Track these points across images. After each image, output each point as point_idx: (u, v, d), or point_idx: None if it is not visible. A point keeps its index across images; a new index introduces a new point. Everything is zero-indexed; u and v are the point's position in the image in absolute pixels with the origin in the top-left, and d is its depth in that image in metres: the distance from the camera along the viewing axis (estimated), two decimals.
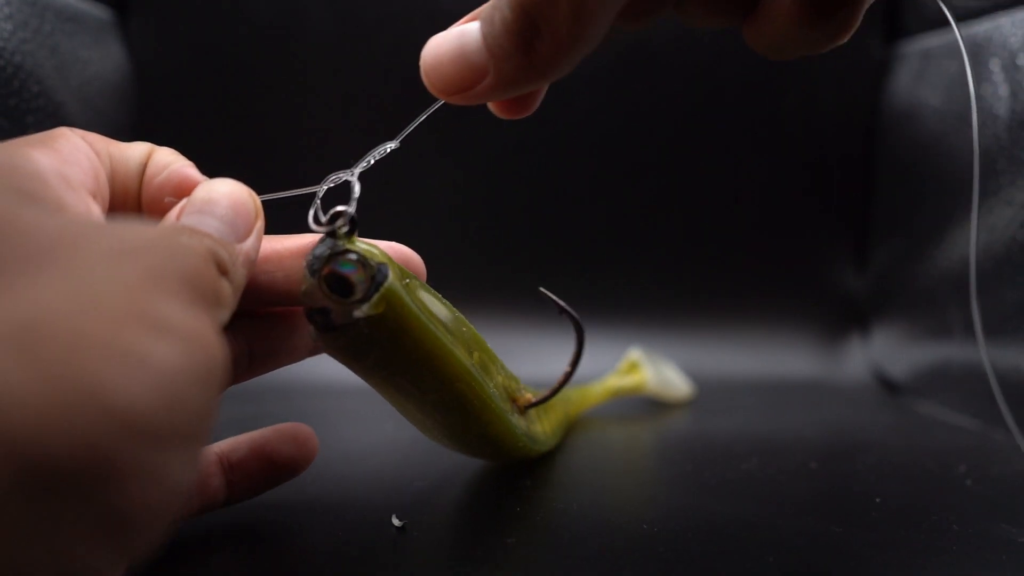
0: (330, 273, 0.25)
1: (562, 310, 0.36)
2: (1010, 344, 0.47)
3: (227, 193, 0.25)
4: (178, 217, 0.24)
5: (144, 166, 0.27)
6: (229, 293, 0.22)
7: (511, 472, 0.36)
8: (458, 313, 0.30)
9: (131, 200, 0.27)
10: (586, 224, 0.66)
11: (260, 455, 0.30)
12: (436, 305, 0.29)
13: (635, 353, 0.54)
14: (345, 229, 0.26)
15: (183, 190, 0.27)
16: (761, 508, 0.33)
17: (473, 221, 0.64)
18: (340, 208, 0.26)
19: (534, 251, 0.64)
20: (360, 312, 0.25)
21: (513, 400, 0.33)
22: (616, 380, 0.52)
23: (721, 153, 0.66)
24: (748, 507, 0.33)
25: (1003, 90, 0.50)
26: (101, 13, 0.56)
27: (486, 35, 0.24)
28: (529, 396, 0.34)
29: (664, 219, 0.66)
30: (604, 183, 0.66)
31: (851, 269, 0.68)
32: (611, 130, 0.65)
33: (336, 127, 0.62)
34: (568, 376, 0.36)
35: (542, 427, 0.37)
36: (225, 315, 0.21)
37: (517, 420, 0.33)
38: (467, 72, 0.25)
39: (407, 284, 0.27)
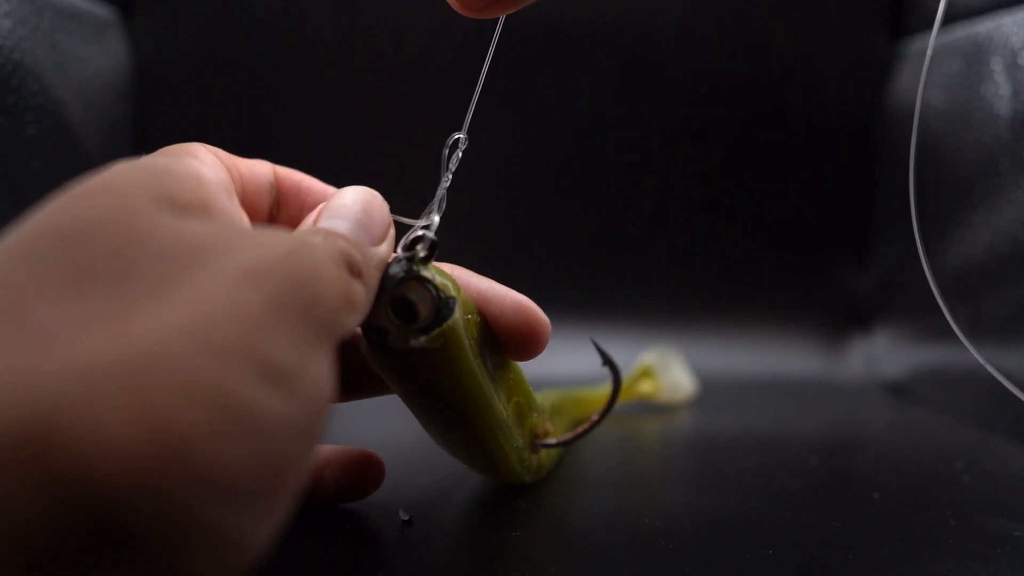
0: (399, 296, 0.25)
1: (607, 362, 0.35)
2: (1012, 344, 0.47)
3: (359, 198, 0.25)
4: (315, 221, 0.24)
5: (273, 185, 0.28)
6: (362, 296, 0.22)
7: None
8: (516, 367, 0.30)
9: (259, 218, 0.28)
10: (588, 224, 0.66)
11: (347, 468, 0.30)
12: (488, 344, 0.28)
13: (649, 358, 0.53)
14: (423, 255, 0.26)
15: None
16: (761, 503, 0.33)
17: (476, 222, 0.64)
18: (422, 232, 0.26)
19: (538, 252, 0.64)
20: (417, 342, 0.25)
21: (533, 436, 0.33)
22: (628, 386, 0.51)
23: (723, 152, 0.66)
24: (748, 502, 0.33)
25: (1005, 89, 0.50)
26: (102, 11, 0.56)
27: None
28: (549, 428, 0.34)
29: (666, 218, 0.67)
30: (605, 183, 0.66)
31: (853, 268, 0.68)
32: (614, 131, 0.65)
33: (340, 126, 0.63)
34: (595, 424, 0.34)
35: (545, 458, 0.37)
36: (356, 320, 0.21)
37: (525, 460, 0.32)
38: None
39: (468, 319, 0.26)
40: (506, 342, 0.29)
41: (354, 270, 0.21)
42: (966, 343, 0.34)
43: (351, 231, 0.24)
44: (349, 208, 0.24)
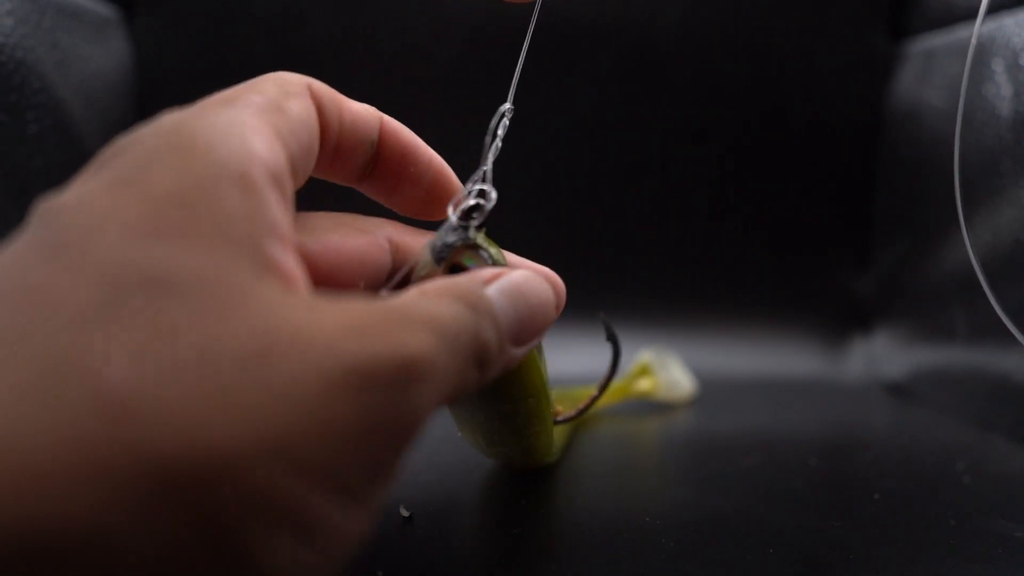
0: (458, 265, 0.24)
1: (610, 336, 0.36)
2: (1013, 345, 0.47)
3: (537, 288, 0.22)
4: (487, 283, 0.21)
5: (374, 143, 0.25)
6: (474, 385, 0.20)
7: (515, 468, 0.36)
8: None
9: (346, 172, 0.25)
10: (587, 224, 0.66)
11: None
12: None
13: (647, 356, 0.53)
14: (477, 223, 0.25)
15: (441, 193, 0.26)
16: (762, 502, 0.33)
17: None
18: (481, 200, 0.25)
19: (537, 251, 0.64)
20: None
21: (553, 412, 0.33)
22: (625, 384, 0.51)
23: (724, 152, 0.66)
24: (749, 501, 0.33)
25: (1006, 90, 0.50)
26: (103, 10, 0.56)
27: None
28: (559, 408, 0.34)
29: (666, 218, 0.66)
30: (605, 182, 0.66)
31: (854, 269, 0.68)
32: (613, 130, 0.65)
33: None
34: (596, 398, 0.36)
35: (558, 438, 0.37)
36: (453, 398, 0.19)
37: (553, 438, 0.33)
38: None
39: None
40: None
41: (481, 362, 0.19)
42: (1014, 331, 0.34)
43: (507, 322, 0.21)
44: (523, 297, 0.22)
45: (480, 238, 0.25)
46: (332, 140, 0.23)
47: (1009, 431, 0.46)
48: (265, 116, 0.19)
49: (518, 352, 0.22)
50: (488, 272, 0.22)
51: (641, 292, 0.66)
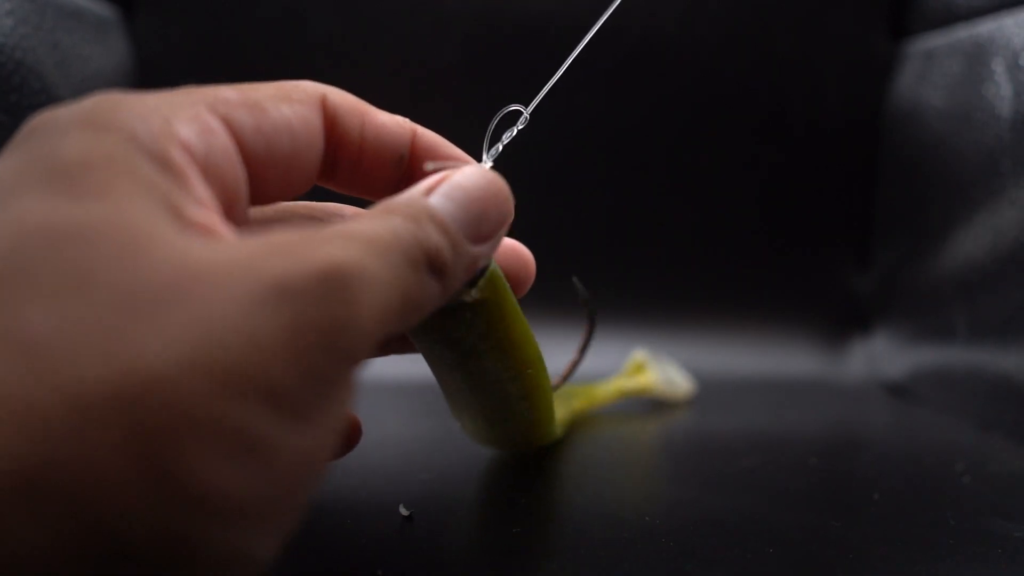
0: None
1: (586, 303, 0.36)
2: (1013, 345, 0.47)
3: (482, 184, 0.22)
4: (427, 192, 0.21)
5: (405, 157, 0.24)
6: (435, 296, 0.20)
7: (515, 466, 0.37)
8: None
9: (379, 186, 0.24)
10: (586, 223, 0.66)
11: None
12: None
13: (640, 354, 0.53)
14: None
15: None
16: (761, 502, 0.33)
17: None
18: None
19: (535, 251, 0.64)
20: (469, 296, 0.24)
21: None
22: (623, 381, 0.51)
23: (724, 152, 0.66)
24: (749, 501, 0.33)
25: (1006, 90, 0.50)
26: (103, 10, 0.56)
27: None
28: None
29: (666, 217, 0.66)
30: (605, 182, 0.66)
31: (853, 269, 0.68)
32: (612, 128, 0.65)
33: None
34: (576, 363, 0.36)
35: (558, 413, 0.37)
36: (415, 320, 0.19)
37: (554, 414, 0.33)
38: None
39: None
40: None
41: (436, 268, 0.19)
42: None
43: (455, 223, 0.21)
44: (466, 193, 0.21)
45: None
46: (352, 152, 0.23)
47: (1009, 431, 0.46)
48: (220, 107, 0.19)
49: (482, 249, 0.22)
50: (428, 181, 0.22)
51: (641, 291, 0.66)
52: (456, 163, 0.24)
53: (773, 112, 0.66)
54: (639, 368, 0.53)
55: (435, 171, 0.22)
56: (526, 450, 0.37)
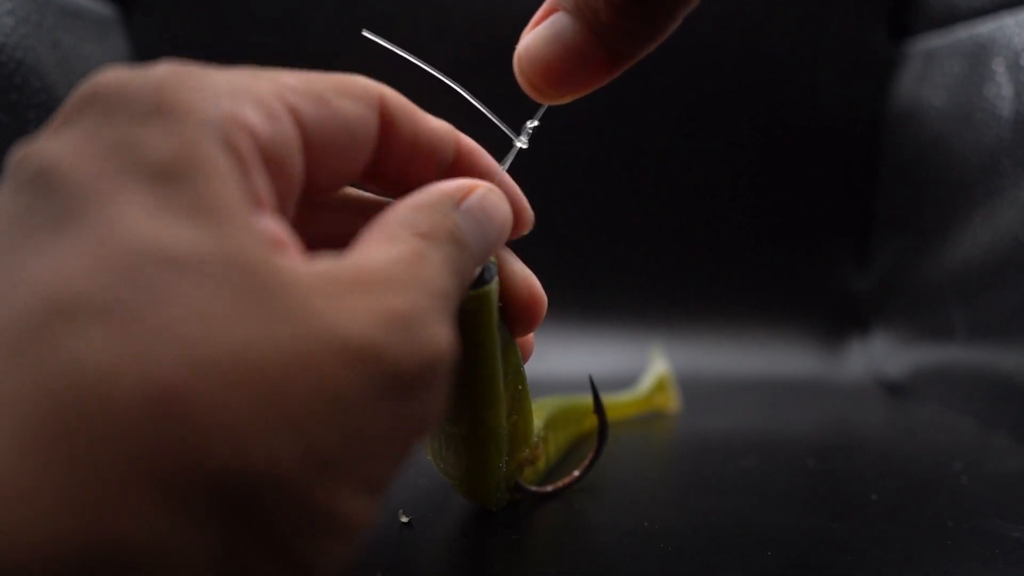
0: None
1: (599, 409, 0.34)
2: (1013, 345, 0.47)
3: (505, 212, 0.23)
4: (462, 200, 0.21)
5: (450, 163, 0.24)
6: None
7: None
8: (522, 370, 0.28)
9: (401, 182, 0.24)
10: (585, 223, 0.66)
11: None
12: (506, 343, 0.27)
13: (662, 368, 0.52)
14: None
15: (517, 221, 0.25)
16: (760, 504, 0.33)
17: None
18: None
19: (535, 250, 0.64)
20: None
21: (517, 469, 0.30)
22: (644, 399, 0.50)
23: (724, 152, 0.66)
24: (747, 503, 0.33)
25: (1007, 90, 0.50)
26: (103, 9, 0.56)
27: (582, 8, 0.21)
28: (538, 454, 0.31)
29: (665, 217, 0.67)
30: (604, 182, 0.66)
31: (853, 268, 0.68)
32: (612, 129, 0.65)
33: None
34: (578, 479, 0.33)
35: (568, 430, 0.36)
36: None
37: (500, 488, 0.30)
38: (573, 57, 0.22)
39: (500, 307, 0.25)
40: (510, 315, 0.27)
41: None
42: None
43: (481, 248, 0.21)
44: (493, 215, 0.22)
45: None
46: (403, 155, 0.23)
47: (1008, 430, 0.46)
48: (287, 94, 0.19)
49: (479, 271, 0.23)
50: (459, 186, 0.22)
51: (640, 291, 0.66)
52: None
53: (773, 112, 0.66)
54: (661, 385, 0.51)
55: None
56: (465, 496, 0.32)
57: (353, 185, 0.25)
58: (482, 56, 0.63)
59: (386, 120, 0.22)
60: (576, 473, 0.33)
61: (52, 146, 0.16)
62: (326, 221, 0.24)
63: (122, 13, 0.59)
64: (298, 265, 0.16)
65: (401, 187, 0.24)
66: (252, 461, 0.14)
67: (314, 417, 0.14)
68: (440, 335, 0.17)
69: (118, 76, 0.17)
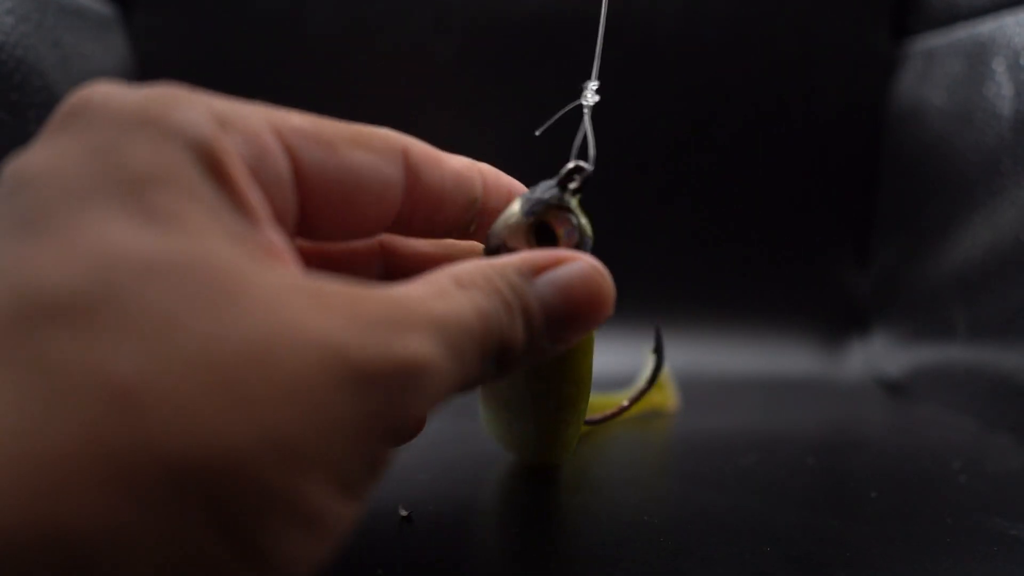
0: (546, 224, 0.24)
1: (658, 347, 0.34)
2: (1014, 344, 0.47)
3: (595, 290, 0.21)
4: (534, 274, 0.21)
5: (475, 203, 0.24)
6: (491, 378, 0.20)
7: (514, 466, 0.37)
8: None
9: (450, 229, 0.24)
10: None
11: None
12: None
13: (667, 370, 0.51)
14: (574, 186, 0.24)
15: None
16: (759, 501, 0.33)
17: None
18: (584, 164, 0.25)
19: None
20: None
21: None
22: (651, 396, 0.48)
23: (723, 151, 0.66)
24: (747, 500, 0.33)
25: (1007, 90, 0.50)
26: (103, 8, 0.56)
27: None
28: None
29: (665, 217, 0.67)
30: (603, 182, 0.66)
31: (853, 268, 0.68)
32: (612, 129, 0.65)
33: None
34: (625, 408, 0.35)
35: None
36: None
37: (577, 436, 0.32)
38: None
39: None
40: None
41: (504, 359, 0.19)
42: None
43: (549, 320, 0.20)
44: (570, 294, 0.21)
45: (574, 204, 0.24)
46: (432, 203, 0.23)
47: (1008, 430, 0.46)
48: (285, 132, 0.19)
49: (553, 349, 0.21)
50: (543, 256, 0.21)
51: (639, 290, 0.66)
52: (569, 231, 0.25)
53: (773, 111, 0.66)
54: (660, 387, 0.50)
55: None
56: (530, 461, 0.35)
57: (387, 231, 0.24)
58: (482, 55, 0.63)
59: (413, 174, 0.22)
60: (625, 403, 0.35)
61: (33, 153, 0.17)
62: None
63: (122, 12, 0.59)
64: (282, 274, 0.16)
65: (433, 230, 0.24)
66: (208, 446, 0.14)
67: (270, 403, 0.14)
68: (418, 346, 0.17)
69: (107, 90, 0.18)
